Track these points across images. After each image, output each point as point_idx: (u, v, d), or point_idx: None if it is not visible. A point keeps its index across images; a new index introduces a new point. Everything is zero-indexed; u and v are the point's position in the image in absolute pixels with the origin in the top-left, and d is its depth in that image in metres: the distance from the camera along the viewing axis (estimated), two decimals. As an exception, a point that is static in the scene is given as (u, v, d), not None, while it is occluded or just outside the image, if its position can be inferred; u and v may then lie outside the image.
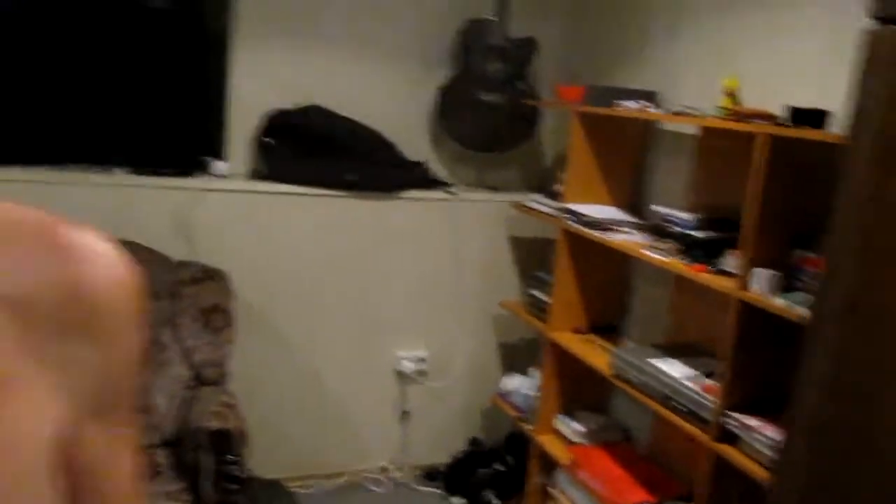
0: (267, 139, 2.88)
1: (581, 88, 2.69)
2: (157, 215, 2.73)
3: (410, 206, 3.08)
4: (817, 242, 1.68)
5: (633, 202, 2.79)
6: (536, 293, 2.95)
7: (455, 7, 3.05)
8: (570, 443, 2.77)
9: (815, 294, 1.43)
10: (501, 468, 3.14)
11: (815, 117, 1.92)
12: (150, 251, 2.63)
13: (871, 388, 1.33)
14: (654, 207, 2.52)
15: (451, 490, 3.19)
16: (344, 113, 2.97)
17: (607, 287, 2.87)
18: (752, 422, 1.95)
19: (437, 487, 3.24)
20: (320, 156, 2.95)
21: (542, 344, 2.87)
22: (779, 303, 1.85)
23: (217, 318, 2.57)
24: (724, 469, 2.03)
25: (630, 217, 2.67)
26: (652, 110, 2.49)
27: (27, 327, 0.54)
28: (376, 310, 3.13)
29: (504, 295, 3.21)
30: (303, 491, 3.10)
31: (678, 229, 2.28)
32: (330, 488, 3.17)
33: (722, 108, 2.19)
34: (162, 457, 2.39)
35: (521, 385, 3.04)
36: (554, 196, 2.86)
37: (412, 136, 3.12)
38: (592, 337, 2.79)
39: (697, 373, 2.22)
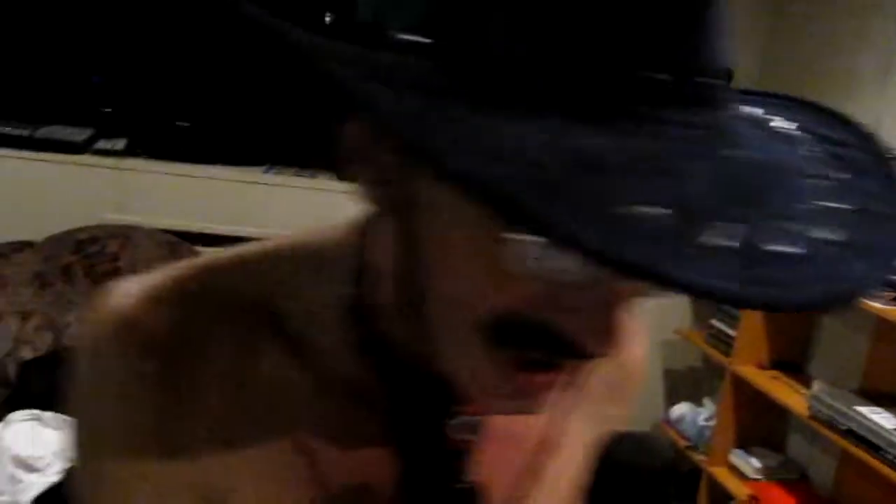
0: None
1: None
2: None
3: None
4: None
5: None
6: (719, 324, 2.94)
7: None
8: (747, 478, 2.75)
9: None
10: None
11: None
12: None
13: None
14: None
15: None
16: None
17: (793, 323, 2.83)
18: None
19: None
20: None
21: (719, 375, 2.86)
22: None
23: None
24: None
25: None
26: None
27: (586, 391, 0.62)
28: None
29: (674, 322, 3.21)
30: None
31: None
32: None
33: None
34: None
35: (690, 414, 3.03)
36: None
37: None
38: (776, 373, 2.76)
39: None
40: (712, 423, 2.90)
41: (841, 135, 0.47)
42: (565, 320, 0.40)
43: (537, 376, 0.43)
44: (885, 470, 2.14)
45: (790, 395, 2.55)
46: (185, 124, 2.75)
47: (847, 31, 2.76)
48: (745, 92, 0.47)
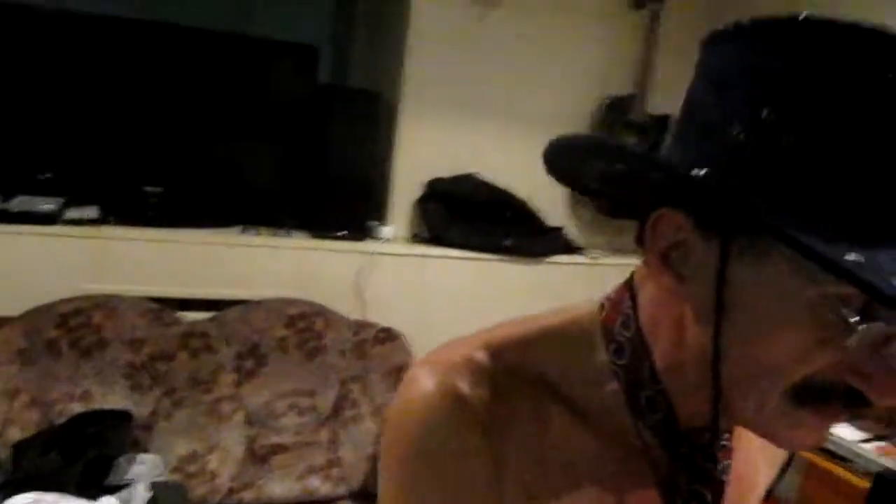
0: (428, 204, 3.09)
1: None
2: (332, 277, 2.92)
3: (554, 270, 3.27)
4: None
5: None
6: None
7: (598, 84, 3.28)
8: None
9: None
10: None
11: None
12: (331, 311, 2.81)
13: None
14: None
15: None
16: (490, 178, 3.19)
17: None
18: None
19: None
20: (475, 221, 3.14)
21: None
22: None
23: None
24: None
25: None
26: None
27: None
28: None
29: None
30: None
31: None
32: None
33: None
34: (358, 508, 2.54)
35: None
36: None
37: (553, 202, 3.33)
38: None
39: None
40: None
41: None
42: (855, 379, 0.49)
43: (826, 419, 0.52)
44: (853, 481, 2.33)
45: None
46: (156, 189, 2.75)
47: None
48: None
